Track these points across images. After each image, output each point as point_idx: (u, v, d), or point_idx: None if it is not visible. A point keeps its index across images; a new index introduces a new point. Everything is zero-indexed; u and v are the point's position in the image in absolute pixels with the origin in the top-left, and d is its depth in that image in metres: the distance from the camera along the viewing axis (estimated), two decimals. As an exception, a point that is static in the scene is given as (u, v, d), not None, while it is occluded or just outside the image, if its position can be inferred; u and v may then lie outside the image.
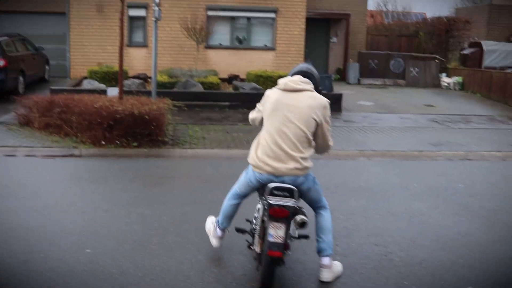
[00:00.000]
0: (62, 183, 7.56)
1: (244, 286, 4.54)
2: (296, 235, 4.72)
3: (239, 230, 4.91)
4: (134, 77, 17.45)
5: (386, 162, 9.67)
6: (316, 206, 4.74)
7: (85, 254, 5.06)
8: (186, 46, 18.97)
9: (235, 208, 4.93)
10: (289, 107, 4.41)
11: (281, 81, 4.59)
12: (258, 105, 4.80)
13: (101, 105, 9.78)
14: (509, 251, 5.52)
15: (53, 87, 14.02)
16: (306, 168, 4.41)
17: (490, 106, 17.54)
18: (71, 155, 9.29)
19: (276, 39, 20.28)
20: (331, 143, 4.66)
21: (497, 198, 7.46)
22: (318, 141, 4.57)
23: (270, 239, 4.22)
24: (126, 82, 15.10)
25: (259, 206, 4.65)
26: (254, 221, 4.82)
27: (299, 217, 4.34)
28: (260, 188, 4.54)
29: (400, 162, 9.71)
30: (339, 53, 23.71)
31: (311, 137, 4.45)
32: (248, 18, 20.33)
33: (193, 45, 18.00)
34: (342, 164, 9.38)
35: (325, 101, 4.49)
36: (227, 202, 4.94)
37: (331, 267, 4.67)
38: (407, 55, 23.87)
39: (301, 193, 4.50)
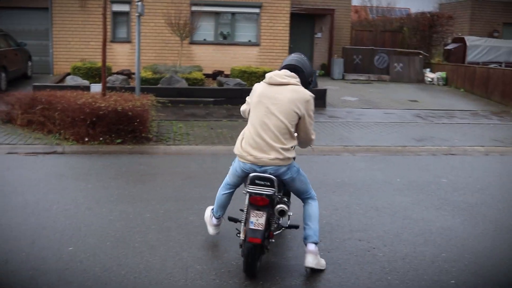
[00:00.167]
0: (44, 181, 7.49)
1: (227, 282, 4.53)
2: (287, 225, 5.10)
3: (231, 219, 5.09)
4: (118, 73, 17.32)
5: (370, 157, 9.70)
6: (303, 197, 4.88)
7: (68, 252, 5.02)
8: (170, 42, 18.89)
9: (227, 197, 5.12)
10: (272, 100, 4.54)
11: (267, 75, 4.72)
12: (247, 98, 4.89)
13: (84, 102, 9.70)
14: (491, 245, 5.56)
15: (35, 84, 13.89)
16: (287, 158, 4.53)
17: (473, 101, 17.67)
18: (54, 152, 9.22)
19: (261, 34, 20.26)
20: (313, 136, 4.78)
21: (480, 192, 7.51)
22: (300, 134, 4.69)
23: (251, 226, 4.41)
24: (110, 78, 15.00)
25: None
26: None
27: (278, 206, 4.54)
28: (245, 177, 4.68)
29: (384, 157, 9.75)
30: (323, 49, 23.74)
31: (292, 130, 4.55)
32: (233, 14, 20.29)
33: (177, 41, 17.92)
34: (326, 160, 9.39)
35: (308, 95, 4.58)
36: (220, 192, 5.14)
37: (316, 254, 4.72)
38: (391, 50, 23.97)
39: (285, 183, 4.66)
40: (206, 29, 19.99)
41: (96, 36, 18.28)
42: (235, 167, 4.77)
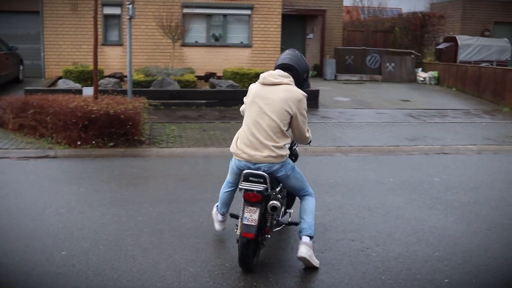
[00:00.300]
0: (37, 185, 7.46)
1: (221, 284, 4.52)
2: (287, 222, 5.31)
3: (232, 216, 5.30)
4: (110, 76, 17.30)
5: (363, 157, 9.72)
6: (300, 194, 5.02)
7: (60, 256, 5.00)
8: (162, 44, 18.87)
9: (229, 195, 5.27)
10: (264, 100, 4.67)
11: (261, 75, 4.85)
12: (244, 98, 4.98)
13: (76, 105, 9.68)
14: (484, 243, 5.57)
15: (27, 88, 13.85)
16: (280, 156, 4.65)
17: (465, 100, 17.73)
18: (46, 156, 9.18)
19: (252, 36, 20.26)
20: (307, 134, 4.92)
21: (472, 191, 7.53)
22: (294, 133, 4.83)
23: (245, 221, 4.55)
24: (102, 81, 14.98)
25: None
26: None
27: (271, 202, 4.64)
28: (241, 174, 4.78)
29: (377, 157, 9.76)
30: (315, 49, 23.77)
31: (284, 128, 4.66)
32: (224, 15, 20.29)
33: (169, 43, 17.90)
34: (319, 160, 9.39)
35: (300, 94, 4.68)
36: (222, 190, 5.30)
37: (310, 247, 4.78)
38: (383, 50, 24.03)
39: (280, 180, 4.80)
40: (197, 31, 19.98)
41: (88, 39, 18.25)
42: (232, 165, 4.91)
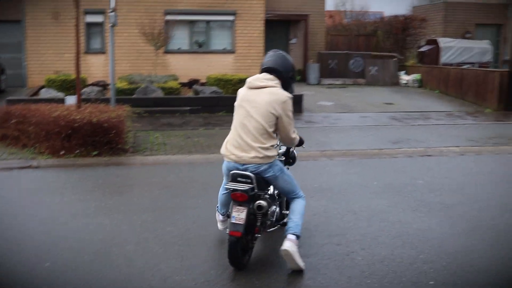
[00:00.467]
0: (20, 196, 7.40)
1: (206, 292, 4.51)
2: (281, 223, 5.43)
3: (228, 216, 5.28)
4: (93, 84, 17.25)
5: (347, 161, 9.74)
6: (290, 196, 5.16)
7: (45, 268, 4.95)
8: (145, 52, 18.83)
9: (227, 196, 5.40)
10: (251, 103, 4.82)
11: (247, 80, 5.00)
12: (235, 102, 5.09)
13: (59, 115, 9.61)
14: (469, 244, 5.60)
15: (9, 98, 13.77)
16: (267, 156, 4.78)
17: (448, 102, 17.87)
18: (29, 167, 9.10)
19: (236, 42, 20.29)
20: (293, 135, 5.03)
21: (456, 192, 7.58)
22: (280, 134, 4.96)
23: (232, 220, 4.68)
24: (85, 90, 14.92)
25: None
26: None
27: (257, 201, 4.79)
28: None
29: (361, 160, 9.80)
30: (299, 54, 23.84)
31: (270, 130, 4.80)
32: (207, 22, 20.31)
33: (152, 50, 17.86)
34: (303, 165, 9.38)
35: (284, 96, 4.82)
36: (220, 192, 5.50)
37: (295, 244, 4.85)
38: (366, 54, 24.16)
39: (269, 181, 4.95)
40: (180, 38, 19.97)
41: (70, 47, 18.14)
42: (223, 166, 5.04)
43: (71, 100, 12.49)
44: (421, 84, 21.83)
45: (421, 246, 5.54)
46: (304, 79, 23.00)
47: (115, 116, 9.89)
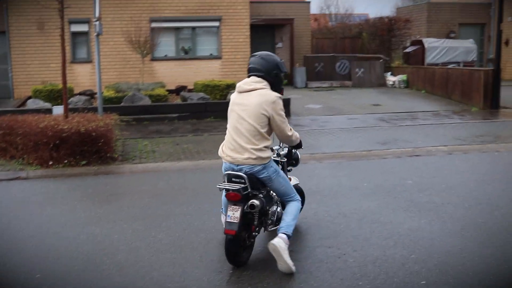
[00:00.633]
0: (9, 208, 7.35)
1: (199, 299, 4.50)
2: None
3: None
4: (80, 93, 17.19)
5: (336, 163, 9.77)
6: (285, 199, 5.29)
7: (35, 279, 4.92)
8: (132, 60, 18.81)
9: None
10: (242, 106, 4.98)
11: (237, 85, 5.14)
12: None
13: (46, 125, 9.57)
14: (459, 243, 5.63)
15: (-4, 109, 13.67)
16: (260, 157, 4.92)
17: (434, 102, 17.98)
18: (18, 178, 9.05)
19: (222, 47, 20.31)
20: (289, 133, 5.17)
21: (445, 191, 7.62)
22: (276, 133, 5.12)
23: (227, 219, 4.85)
24: (72, 99, 14.87)
25: None
26: None
27: (250, 201, 4.91)
28: None
29: (350, 162, 9.83)
30: (285, 58, 23.89)
31: (262, 130, 4.92)
32: (193, 28, 20.32)
33: (139, 58, 17.85)
34: (293, 169, 9.39)
35: (273, 96, 4.96)
36: (223, 194, 5.44)
37: (285, 242, 4.94)
38: (352, 56, 24.27)
39: (264, 182, 5.07)
40: (167, 45, 19.98)
41: (56, 57, 18.11)
42: (222, 168, 5.17)
43: (58, 110, 12.43)
44: (407, 84, 21.94)
45: (412, 246, 5.56)
46: (291, 83, 23.05)
47: (103, 125, 9.86)
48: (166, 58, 20.11)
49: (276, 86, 5.10)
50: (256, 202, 4.90)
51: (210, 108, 14.64)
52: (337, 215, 6.61)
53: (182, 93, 16.75)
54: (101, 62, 12.86)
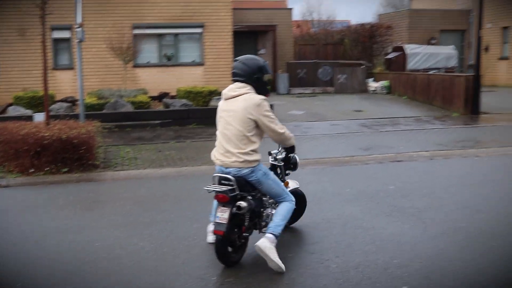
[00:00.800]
0: (-11, 216, 7.28)
1: (182, 306, 4.48)
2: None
3: None
4: (62, 100, 17.07)
5: (319, 169, 9.80)
6: (277, 200, 5.39)
7: (16, 288, 4.88)
8: (114, 66, 18.73)
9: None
10: (228, 112, 5.13)
11: (222, 92, 5.28)
12: None
13: (27, 132, 9.49)
14: (441, 247, 5.66)
15: (-25, 117, 13.54)
16: (246, 161, 5.04)
17: (416, 107, 18.11)
18: (-2, 186, 8.97)
19: (204, 54, 20.32)
20: (281, 130, 5.28)
21: (427, 196, 7.67)
22: (269, 134, 5.23)
23: (216, 220, 4.98)
24: (54, 106, 14.78)
25: None
26: None
27: (238, 202, 5.01)
28: None
29: (333, 168, 9.86)
30: (268, 64, 23.92)
31: (249, 134, 5.05)
32: (176, 35, 20.30)
33: (121, 65, 17.78)
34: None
35: (257, 99, 5.08)
36: (214, 199, 5.44)
37: (271, 242, 5.04)
38: (334, 62, 24.39)
39: (253, 185, 5.18)
40: (149, 52, 19.93)
41: (38, 64, 17.86)
42: (215, 171, 5.27)
43: (39, 117, 12.34)
44: (389, 90, 22.08)
45: (394, 251, 5.59)
46: (273, 89, 23.07)
47: (85, 132, 9.80)
48: (148, 65, 20.06)
49: (260, 89, 5.20)
50: (243, 203, 5.01)
51: (193, 114, 14.62)
52: (320, 221, 6.62)
53: (165, 99, 16.72)
54: (83, 68, 12.80)
